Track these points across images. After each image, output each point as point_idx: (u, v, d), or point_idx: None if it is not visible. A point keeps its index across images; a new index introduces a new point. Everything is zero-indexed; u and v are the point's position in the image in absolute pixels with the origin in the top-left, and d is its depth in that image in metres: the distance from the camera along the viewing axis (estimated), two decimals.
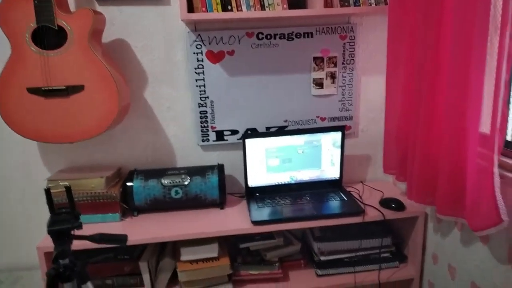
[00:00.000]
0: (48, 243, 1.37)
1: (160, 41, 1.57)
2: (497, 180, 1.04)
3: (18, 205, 1.68)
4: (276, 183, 1.65)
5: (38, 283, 1.64)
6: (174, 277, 1.50)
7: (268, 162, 1.61)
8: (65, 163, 1.65)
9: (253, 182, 1.63)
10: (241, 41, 1.59)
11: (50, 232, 1.02)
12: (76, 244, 1.18)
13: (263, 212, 1.49)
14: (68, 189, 1.06)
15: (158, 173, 1.55)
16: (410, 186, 1.44)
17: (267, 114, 1.69)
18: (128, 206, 1.52)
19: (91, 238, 1.07)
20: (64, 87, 1.37)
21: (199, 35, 1.56)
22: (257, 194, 1.63)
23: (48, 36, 1.35)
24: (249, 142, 1.57)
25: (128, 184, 1.51)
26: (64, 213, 1.05)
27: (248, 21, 1.58)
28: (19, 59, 1.34)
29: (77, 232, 1.04)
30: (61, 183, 1.46)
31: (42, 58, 1.34)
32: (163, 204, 1.53)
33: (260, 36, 1.60)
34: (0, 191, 1.66)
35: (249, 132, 1.70)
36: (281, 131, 1.70)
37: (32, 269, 1.71)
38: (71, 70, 1.36)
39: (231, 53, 1.60)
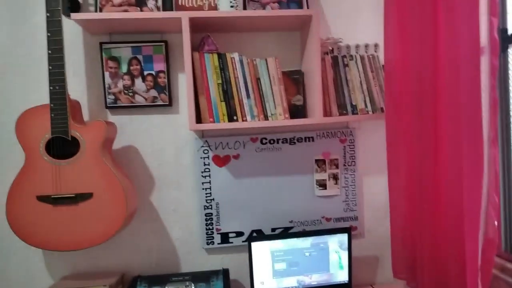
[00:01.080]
0: None
1: (168, 147, 1.65)
2: None
3: None
4: None
5: None
6: None
7: (274, 266, 1.57)
8: (68, 269, 1.62)
9: (259, 285, 1.58)
10: (246, 146, 1.67)
11: None
12: None
13: None
14: None
15: (162, 279, 1.51)
16: None
17: (272, 215, 1.70)
18: None
19: None
20: (73, 195, 1.40)
21: (206, 141, 1.64)
22: None
23: (62, 146, 1.42)
24: (254, 245, 1.55)
25: None
26: None
27: (253, 129, 1.67)
28: (31, 168, 1.40)
29: None
30: None
31: (54, 167, 1.40)
32: None
33: (264, 141, 1.68)
34: None
35: (254, 234, 1.69)
36: (286, 233, 1.68)
37: None
38: (81, 179, 1.40)
39: (237, 157, 1.66)
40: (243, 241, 1.68)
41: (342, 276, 1.62)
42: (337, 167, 1.71)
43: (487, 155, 1.11)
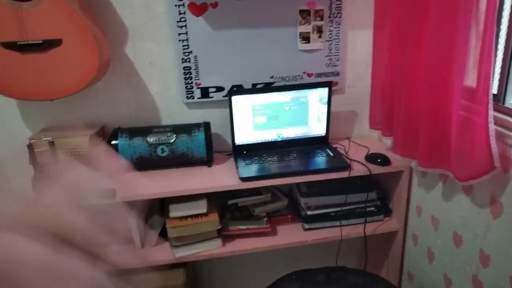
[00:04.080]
0: None
1: None
2: (492, 129, 1.03)
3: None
4: (263, 141, 1.64)
5: None
6: (163, 234, 1.52)
7: (254, 120, 1.60)
8: (46, 122, 1.61)
9: (240, 140, 1.62)
10: None
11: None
12: None
13: (250, 169, 1.49)
14: (51, 143, 1.04)
15: (143, 131, 1.52)
16: (395, 140, 1.46)
17: (253, 70, 1.66)
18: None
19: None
20: (41, 41, 1.30)
21: None
22: (244, 152, 1.63)
23: None
24: (235, 99, 1.55)
25: (113, 142, 1.48)
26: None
27: None
28: None
29: None
30: (43, 139, 1.42)
31: (15, 10, 1.27)
32: (149, 162, 1.52)
33: None
34: None
35: (234, 89, 1.67)
36: (267, 87, 1.67)
37: None
38: (47, 24, 1.29)
39: (215, 5, 1.54)
40: (223, 96, 1.67)
41: (320, 130, 1.67)
42: (322, 18, 1.62)
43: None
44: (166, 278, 1.50)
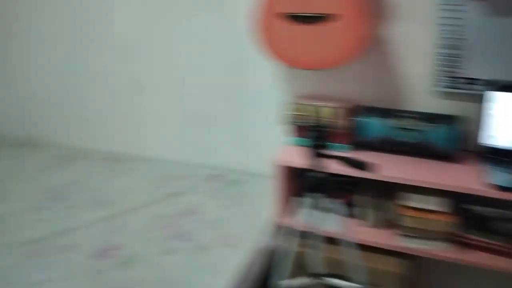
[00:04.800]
0: (285, 157, 1.52)
1: None
2: None
3: (259, 118, 1.88)
4: None
5: (268, 189, 1.72)
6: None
7: None
8: (301, 90, 1.74)
9: (496, 142, 1.43)
10: None
11: (309, 147, 1.10)
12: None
13: (507, 178, 1.31)
14: (320, 112, 1.11)
15: (392, 112, 1.50)
16: None
17: None
18: (358, 140, 1.54)
19: (340, 158, 1.11)
20: (319, 14, 1.39)
21: None
22: (501, 157, 1.43)
23: None
24: (502, 95, 1.36)
25: (362, 119, 1.51)
26: (319, 132, 1.12)
27: None
28: None
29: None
30: (312, 107, 1.56)
31: None
32: (392, 145, 1.49)
33: None
34: (246, 104, 1.87)
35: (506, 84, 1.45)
36: None
37: (267, 177, 1.77)
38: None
39: None
40: (487, 90, 1.47)
41: None
42: None
43: None
44: (388, 264, 1.48)
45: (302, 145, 1.60)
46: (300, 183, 1.15)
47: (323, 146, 1.13)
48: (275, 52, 1.50)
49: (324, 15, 1.39)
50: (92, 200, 1.74)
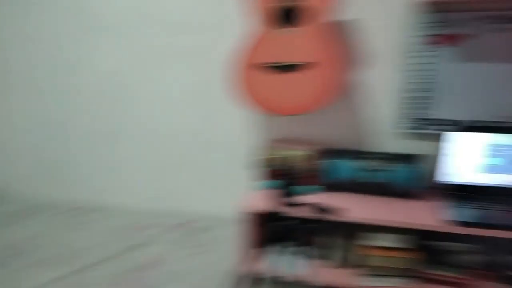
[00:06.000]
0: (254, 203, 1.50)
1: (383, 21, 1.56)
2: None
3: (229, 164, 1.90)
4: (482, 184, 1.51)
5: (236, 235, 1.76)
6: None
7: (482, 160, 1.48)
8: (273, 134, 1.80)
9: (454, 179, 1.52)
10: (481, 24, 1.46)
11: (275, 194, 1.13)
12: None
13: (466, 213, 1.38)
14: (288, 158, 1.14)
15: (359, 154, 1.58)
16: None
17: (488, 107, 1.53)
18: (327, 182, 1.59)
19: (308, 205, 1.14)
20: (295, 63, 1.46)
21: (429, 16, 1.49)
22: (459, 193, 1.52)
23: (286, 15, 1.44)
24: (459, 135, 1.47)
25: (330, 161, 1.57)
26: (286, 179, 1.15)
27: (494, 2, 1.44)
28: (261, 37, 1.48)
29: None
30: (281, 152, 1.59)
31: (280, 35, 1.45)
32: (359, 186, 1.56)
33: (505, 19, 1.44)
34: (216, 149, 1.89)
35: (465, 125, 1.57)
36: (504, 127, 1.52)
37: (235, 222, 1.84)
38: (303, 47, 1.44)
39: (467, 36, 1.48)
40: (444, 130, 1.58)
41: None
42: None
43: None
44: None
45: (271, 190, 1.63)
46: (268, 229, 1.17)
47: (292, 191, 1.16)
48: (255, 101, 1.54)
49: (299, 63, 1.46)
50: (54, 257, 1.66)
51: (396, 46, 1.56)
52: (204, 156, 1.92)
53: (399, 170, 1.50)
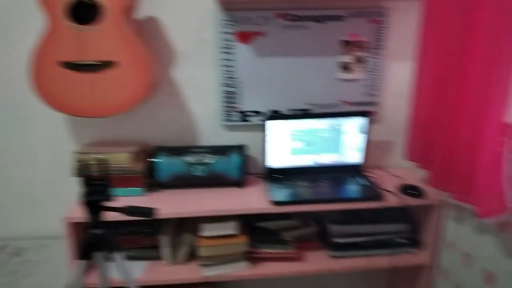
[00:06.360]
0: (75, 214, 1.42)
1: (190, 20, 1.58)
2: (505, 167, 1.04)
3: (46, 175, 1.73)
4: (297, 166, 1.67)
5: (62, 252, 1.68)
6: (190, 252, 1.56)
7: (290, 145, 1.62)
8: (91, 137, 1.69)
9: (273, 163, 1.65)
10: (271, 22, 1.58)
11: (84, 203, 1.06)
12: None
13: (282, 193, 1.52)
14: (102, 161, 1.10)
15: (182, 150, 1.58)
16: (432, 173, 1.45)
17: (291, 96, 1.69)
18: (152, 181, 1.56)
19: (121, 209, 1.11)
20: (97, 62, 1.38)
21: (229, 14, 1.56)
22: (277, 176, 1.66)
23: (83, 11, 1.35)
24: (270, 123, 1.58)
25: (153, 160, 1.55)
26: (97, 185, 1.09)
27: (278, 1, 1.57)
28: (54, 34, 1.36)
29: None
30: (93, 156, 1.50)
31: (76, 33, 1.36)
32: (185, 181, 1.57)
33: (289, 17, 1.58)
34: (28, 160, 1.71)
35: (272, 114, 1.70)
36: (305, 114, 1.70)
37: (56, 238, 1.75)
38: (103, 46, 1.37)
39: (260, 34, 1.59)
40: (261, 120, 1.71)
41: (355, 158, 1.68)
42: (363, 50, 1.64)
43: None
44: None
45: (81, 198, 1.54)
46: (86, 239, 1.10)
47: (106, 197, 1.10)
48: (56, 103, 1.42)
49: (101, 63, 1.38)
50: None
51: (208, 43, 1.61)
52: (15, 169, 1.73)
53: (224, 161, 1.56)
